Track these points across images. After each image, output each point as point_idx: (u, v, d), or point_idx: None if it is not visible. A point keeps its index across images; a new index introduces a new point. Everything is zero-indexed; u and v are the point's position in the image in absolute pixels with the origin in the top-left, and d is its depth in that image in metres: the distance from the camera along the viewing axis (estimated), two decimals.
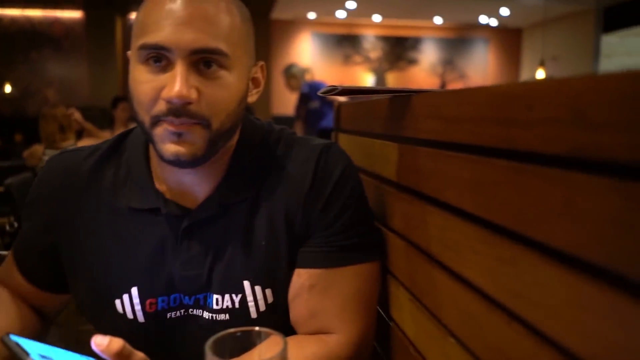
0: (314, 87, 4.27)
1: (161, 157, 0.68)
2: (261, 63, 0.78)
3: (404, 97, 0.74)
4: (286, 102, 6.50)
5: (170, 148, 0.66)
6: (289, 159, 0.77)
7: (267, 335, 0.54)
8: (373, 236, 0.78)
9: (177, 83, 0.62)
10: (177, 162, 0.67)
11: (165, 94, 0.63)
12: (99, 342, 0.57)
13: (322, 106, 4.24)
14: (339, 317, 0.74)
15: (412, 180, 0.72)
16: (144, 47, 0.65)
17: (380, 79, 7.97)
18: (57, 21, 6.20)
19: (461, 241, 0.56)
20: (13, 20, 6.00)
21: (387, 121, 0.84)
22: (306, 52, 7.73)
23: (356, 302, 0.74)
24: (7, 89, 5.69)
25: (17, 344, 0.56)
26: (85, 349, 0.64)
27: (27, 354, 0.54)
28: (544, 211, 0.41)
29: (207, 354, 0.49)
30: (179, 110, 0.64)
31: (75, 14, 6.27)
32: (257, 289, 0.74)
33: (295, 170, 0.75)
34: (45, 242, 0.79)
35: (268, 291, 0.75)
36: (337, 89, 0.70)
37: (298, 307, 0.75)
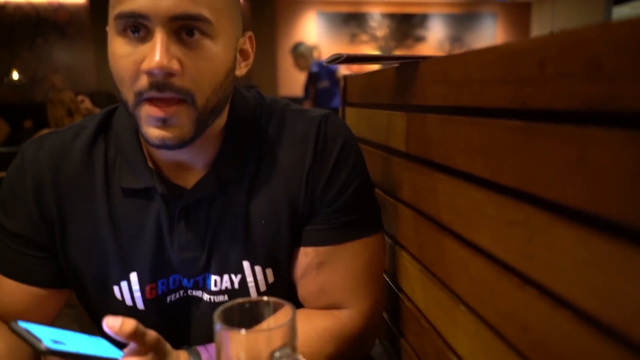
0: (324, 66, 4.19)
1: (147, 141, 0.64)
2: (249, 34, 0.73)
3: (411, 65, 0.73)
4: (294, 83, 6.45)
5: (155, 132, 0.62)
6: (286, 134, 0.74)
7: (276, 305, 0.54)
8: (376, 208, 0.77)
9: (157, 53, 0.58)
10: (164, 146, 0.64)
11: (145, 65, 0.59)
12: (111, 324, 0.56)
13: (332, 85, 4.19)
14: (349, 292, 0.73)
15: (421, 149, 0.71)
16: (120, 16, 0.60)
17: None
18: (61, 7, 6.16)
19: (471, 207, 0.55)
20: (17, 8, 5.98)
21: (394, 91, 0.83)
22: (312, 32, 7.64)
23: (365, 275, 0.74)
24: (15, 76, 5.70)
25: (27, 331, 0.54)
26: (99, 329, 0.64)
27: (39, 340, 0.53)
28: (557, 170, 0.40)
29: (216, 323, 0.49)
30: (162, 84, 0.60)
31: (79, 0, 6.24)
32: (257, 269, 0.73)
33: (294, 147, 0.73)
34: (40, 235, 0.72)
35: (269, 271, 0.74)
36: (342, 56, 0.68)
37: (307, 285, 0.74)
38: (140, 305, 0.73)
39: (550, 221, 0.41)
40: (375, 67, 1.26)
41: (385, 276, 0.91)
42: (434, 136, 0.65)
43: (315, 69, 4.29)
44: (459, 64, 0.58)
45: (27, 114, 5.16)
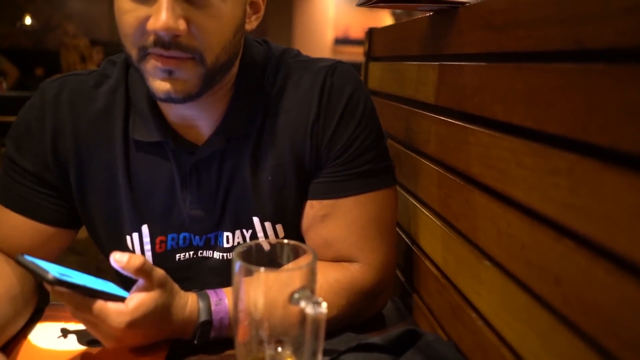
0: None
1: (153, 95, 0.63)
2: None
3: (447, 12, 0.69)
4: (310, 46, 6.32)
5: (161, 86, 0.61)
6: (292, 87, 0.71)
7: (295, 249, 0.53)
8: (386, 161, 0.74)
9: (162, 13, 0.56)
10: (169, 100, 0.62)
11: (150, 25, 0.57)
12: (118, 258, 0.56)
13: None
14: (355, 245, 0.71)
15: (452, 100, 0.68)
16: None
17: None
18: None
19: (507, 158, 0.52)
20: None
21: (426, 41, 0.79)
22: None
23: (373, 229, 0.72)
24: (28, 20, 5.62)
25: (34, 263, 0.54)
26: (106, 278, 0.63)
27: (46, 271, 0.53)
28: (613, 114, 0.37)
29: (236, 261, 0.48)
30: (168, 43, 0.58)
31: None
32: (267, 225, 0.73)
33: (299, 99, 0.70)
34: (52, 176, 0.71)
35: (279, 227, 0.73)
36: None
37: (313, 237, 0.73)
38: (149, 259, 0.73)
39: (599, 169, 0.39)
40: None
41: (401, 233, 0.90)
42: (469, 86, 0.62)
43: None
44: (505, 6, 0.54)
45: (39, 61, 5.11)
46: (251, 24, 0.69)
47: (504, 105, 0.54)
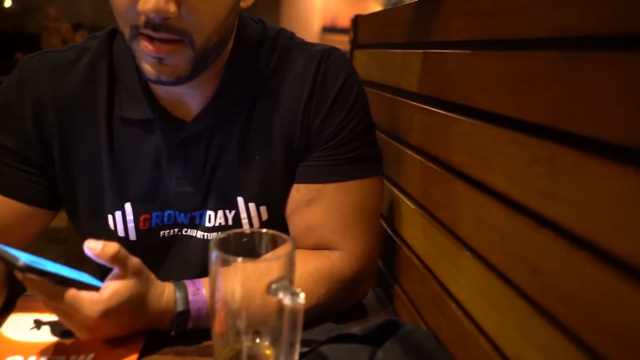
0: None
1: (143, 75, 0.62)
2: None
3: None
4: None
5: (151, 69, 0.60)
6: (286, 69, 0.70)
7: (274, 239, 0.52)
8: (375, 149, 0.73)
9: None
10: (160, 82, 0.61)
11: (140, 6, 0.56)
12: (92, 246, 0.55)
13: None
14: (339, 233, 0.71)
15: (436, 89, 0.67)
16: None
17: None
18: None
19: (489, 146, 0.52)
20: None
21: (411, 27, 0.78)
22: None
23: (357, 216, 0.71)
24: (7, 2, 5.48)
25: (4, 250, 0.52)
26: (87, 267, 0.62)
27: (16, 258, 0.51)
28: (595, 102, 0.37)
29: (212, 250, 0.47)
30: (158, 24, 0.57)
31: None
32: (251, 206, 0.72)
33: (293, 81, 0.69)
34: (34, 153, 0.70)
35: (262, 208, 0.72)
36: None
37: (296, 221, 0.72)
38: (132, 236, 0.72)
39: (579, 158, 0.38)
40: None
41: (382, 222, 0.89)
42: (453, 74, 0.61)
43: None
44: None
45: (19, 45, 4.98)
46: (246, 2, 0.67)
47: (487, 93, 0.53)
